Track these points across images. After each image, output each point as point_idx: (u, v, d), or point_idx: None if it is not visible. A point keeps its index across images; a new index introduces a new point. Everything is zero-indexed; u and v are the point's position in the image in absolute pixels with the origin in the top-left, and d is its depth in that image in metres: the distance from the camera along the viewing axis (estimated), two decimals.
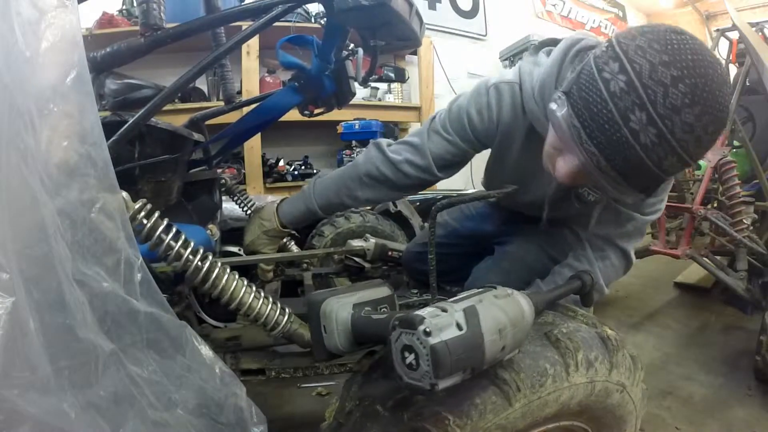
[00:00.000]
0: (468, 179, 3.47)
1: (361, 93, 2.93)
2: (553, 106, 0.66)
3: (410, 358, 0.49)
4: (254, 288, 0.83)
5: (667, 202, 2.09)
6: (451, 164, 0.98)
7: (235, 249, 1.62)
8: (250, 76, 2.60)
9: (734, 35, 2.37)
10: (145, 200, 0.75)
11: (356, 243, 1.38)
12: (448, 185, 3.08)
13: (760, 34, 2.33)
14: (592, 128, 0.61)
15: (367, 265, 1.38)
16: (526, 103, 0.86)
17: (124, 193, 0.67)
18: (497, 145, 0.96)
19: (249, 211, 1.68)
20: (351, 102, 1.35)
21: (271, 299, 0.85)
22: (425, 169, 0.96)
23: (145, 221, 0.73)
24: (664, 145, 0.58)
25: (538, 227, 1.09)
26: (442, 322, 0.50)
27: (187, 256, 0.77)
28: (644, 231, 0.96)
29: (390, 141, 1.03)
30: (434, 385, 0.48)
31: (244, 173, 2.65)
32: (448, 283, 1.20)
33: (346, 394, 0.69)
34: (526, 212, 1.12)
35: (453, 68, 3.47)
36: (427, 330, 0.48)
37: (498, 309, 0.54)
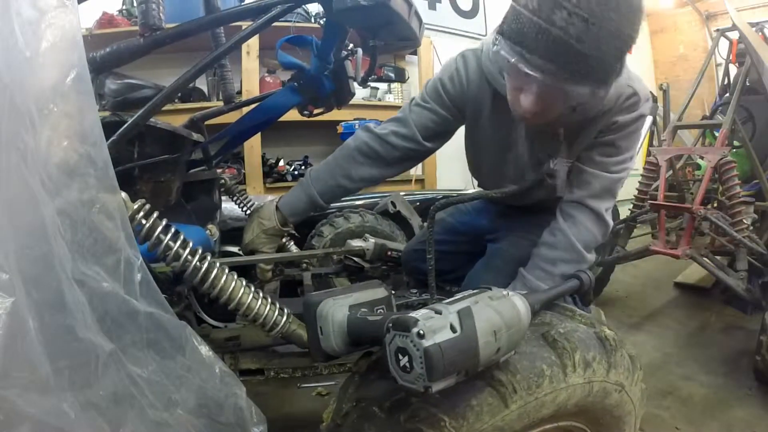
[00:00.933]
0: (468, 179, 3.47)
1: (361, 93, 2.92)
2: (495, 48, 0.74)
3: (404, 360, 0.50)
4: (253, 288, 0.83)
5: (667, 202, 2.09)
6: (435, 133, 1.04)
7: (234, 249, 1.62)
8: (250, 76, 2.60)
9: (734, 35, 2.37)
10: (144, 200, 0.75)
11: (355, 243, 1.38)
12: (448, 185, 3.09)
13: (760, 34, 2.33)
14: (531, 45, 0.69)
15: (366, 265, 1.38)
16: (483, 63, 0.94)
17: (123, 194, 0.67)
18: (470, 114, 1.02)
19: (248, 212, 1.68)
20: (351, 102, 1.35)
21: (270, 299, 0.85)
22: (410, 137, 1.02)
23: (143, 221, 0.73)
24: (593, 29, 0.66)
25: (530, 219, 1.10)
26: (435, 324, 0.50)
27: (186, 256, 0.77)
28: (614, 192, 0.98)
29: (375, 125, 1.08)
30: (428, 388, 0.49)
31: (244, 173, 2.65)
32: (446, 282, 1.20)
33: (343, 396, 0.69)
34: (516, 202, 1.13)
35: None
36: (421, 332, 0.48)
37: (493, 311, 0.54)
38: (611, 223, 1.00)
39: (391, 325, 0.52)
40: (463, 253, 1.26)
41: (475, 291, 0.58)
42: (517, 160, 1.01)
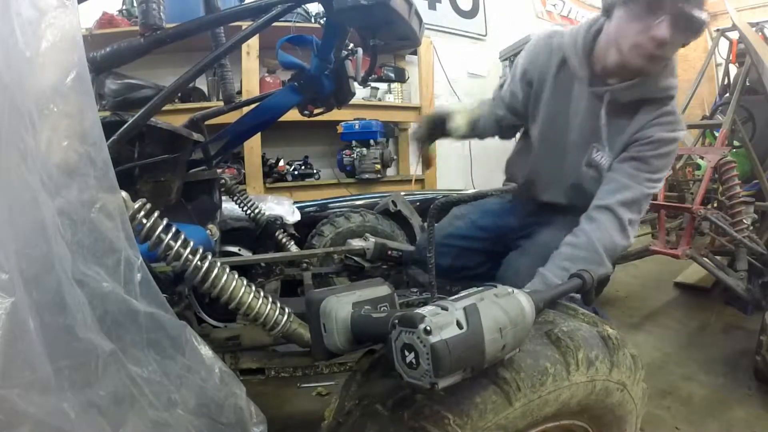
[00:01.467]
0: (468, 180, 3.47)
1: (361, 93, 2.92)
2: None
3: (410, 356, 0.49)
4: (254, 288, 0.83)
5: (667, 202, 2.10)
6: (515, 110, 1.21)
7: (235, 249, 1.61)
8: (250, 76, 2.60)
9: (734, 35, 2.37)
10: (144, 200, 0.75)
11: (356, 242, 1.38)
12: (448, 185, 3.09)
13: (760, 34, 2.33)
14: None
15: (366, 264, 1.38)
16: (564, 38, 1.08)
17: (124, 193, 0.67)
18: (536, 84, 1.14)
19: (249, 211, 1.68)
20: (351, 102, 1.35)
21: (270, 299, 0.85)
22: (502, 117, 1.24)
23: (144, 221, 0.73)
24: None
25: (563, 219, 1.12)
26: (442, 320, 0.49)
27: (187, 255, 0.77)
28: (641, 207, 1.02)
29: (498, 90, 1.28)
30: (434, 384, 0.48)
31: (244, 173, 2.64)
32: (461, 279, 1.21)
33: (345, 394, 0.69)
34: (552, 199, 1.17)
35: (453, 68, 3.47)
36: (428, 328, 0.48)
37: (498, 308, 0.54)
38: (632, 239, 1.03)
39: (397, 321, 0.51)
40: (480, 252, 1.26)
41: (480, 288, 0.58)
42: (571, 141, 1.09)
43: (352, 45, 1.20)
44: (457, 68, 3.52)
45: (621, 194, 0.99)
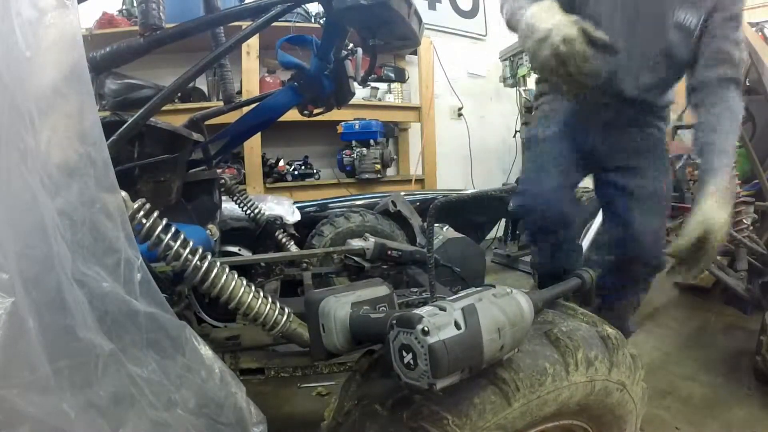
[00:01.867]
0: (468, 180, 3.48)
1: (361, 93, 2.92)
2: None
3: (408, 357, 0.49)
4: (253, 287, 0.83)
5: None
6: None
7: (235, 249, 1.62)
8: (250, 76, 2.60)
9: None
10: (144, 200, 0.75)
11: (356, 242, 1.38)
12: (448, 185, 3.09)
13: (760, 34, 2.33)
14: None
15: (366, 264, 1.38)
16: None
17: (123, 193, 0.67)
18: None
19: (249, 211, 1.68)
20: (351, 102, 1.35)
21: (270, 298, 0.85)
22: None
23: (144, 221, 0.73)
24: None
25: (639, 147, 1.11)
26: (440, 321, 0.49)
27: (186, 255, 0.77)
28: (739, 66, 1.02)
29: None
30: (432, 385, 0.48)
31: (244, 173, 2.65)
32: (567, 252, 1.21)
33: (344, 394, 0.69)
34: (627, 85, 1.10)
35: (453, 68, 3.46)
36: (426, 329, 0.48)
37: (497, 308, 0.54)
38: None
39: (395, 321, 0.51)
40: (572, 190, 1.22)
41: (478, 288, 0.58)
42: (645, 12, 1.02)
43: (352, 45, 1.20)
44: (457, 68, 3.52)
45: (735, 62, 0.98)
